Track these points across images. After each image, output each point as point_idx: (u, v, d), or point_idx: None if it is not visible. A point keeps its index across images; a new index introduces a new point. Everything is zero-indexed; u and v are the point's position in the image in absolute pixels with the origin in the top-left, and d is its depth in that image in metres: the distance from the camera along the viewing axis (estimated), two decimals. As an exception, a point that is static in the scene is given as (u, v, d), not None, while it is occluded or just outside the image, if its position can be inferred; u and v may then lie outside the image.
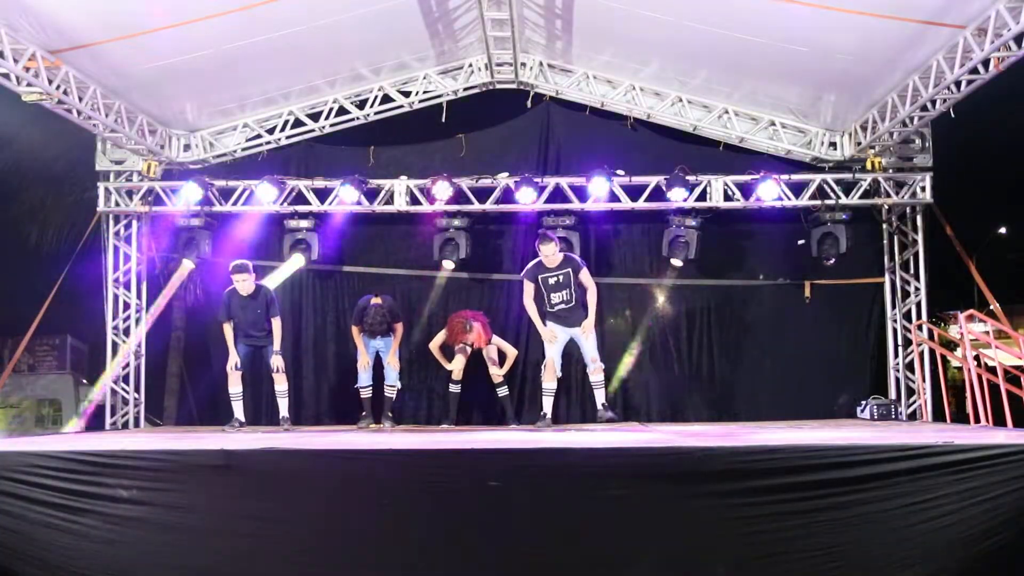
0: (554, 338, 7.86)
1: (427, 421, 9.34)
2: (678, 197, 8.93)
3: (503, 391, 8.68)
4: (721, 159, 9.36)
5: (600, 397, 7.90)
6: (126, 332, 9.48)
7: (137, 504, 4.91)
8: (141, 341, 9.51)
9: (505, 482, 4.80)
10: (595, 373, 7.83)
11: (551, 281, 7.87)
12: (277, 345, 8.07)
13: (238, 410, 8.07)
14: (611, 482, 4.84)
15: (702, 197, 9.06)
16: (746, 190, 9.06)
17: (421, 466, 4.99)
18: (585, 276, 7.87)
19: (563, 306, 7.85)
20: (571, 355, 8.46)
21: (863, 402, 9.02)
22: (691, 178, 8.97)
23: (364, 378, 8.55)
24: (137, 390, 9.49)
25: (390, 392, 8.52)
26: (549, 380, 7.86)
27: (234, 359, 8.00)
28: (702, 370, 9.56)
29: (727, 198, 9.09)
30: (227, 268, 8.10)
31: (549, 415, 7.90)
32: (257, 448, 5.15)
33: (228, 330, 8.01)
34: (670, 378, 9.53)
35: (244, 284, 7.92)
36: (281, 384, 8.16)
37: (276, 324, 8.09)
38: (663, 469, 4.86)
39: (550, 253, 7.83)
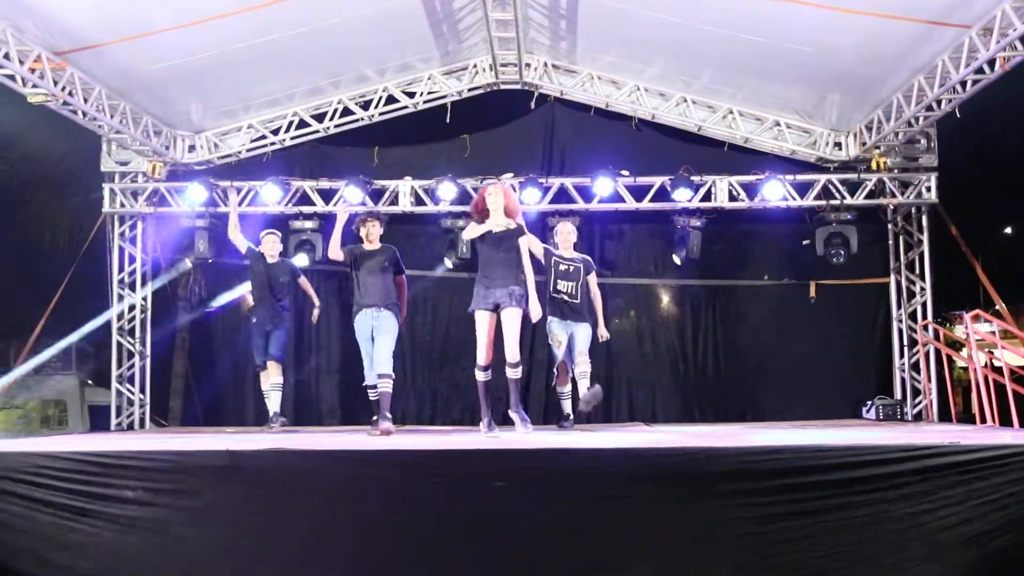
0: (560, 342, 7.70)
1: (431, 421, 9.33)
2: (683, 197, 8.93)
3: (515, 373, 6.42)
4: (726, 159, 9.35)
5: (582, 388, 7.17)
6: (131, 333, 9.50)
7: (142, 505, 4.91)
8: (147, 342, 9.53)
9: (508, 483, 4.79)
10: (581, 365, 7.31)
11: (562, 268, 7.48)
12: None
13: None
14: (615, 483, 4.82)
15: (707, 197, 9.06)
16: (751, 190, 9.05)
17: (425, 467, 4.99)
18: (593, 280, 7.58)
19: (567, 297, 7.43)
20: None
21: (868, 402, 9.00)
22: (696, 178, 8.97)
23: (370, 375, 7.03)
24: (142, 391, 9.51)
25: (384, 385, 6.72)
26: (564, 384, 7.69)
27: None
28: (707, 370, 9.56)
29: (732, 198, 9.08)
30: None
31: (572, 415, 7.73)
32: (262, 449, 5.15)
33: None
34: (675, 378, 9.54)
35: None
36: (277, 376, 7.83)
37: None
38: (667, 470, 4.85)
39: (567, 232, 7.55)
